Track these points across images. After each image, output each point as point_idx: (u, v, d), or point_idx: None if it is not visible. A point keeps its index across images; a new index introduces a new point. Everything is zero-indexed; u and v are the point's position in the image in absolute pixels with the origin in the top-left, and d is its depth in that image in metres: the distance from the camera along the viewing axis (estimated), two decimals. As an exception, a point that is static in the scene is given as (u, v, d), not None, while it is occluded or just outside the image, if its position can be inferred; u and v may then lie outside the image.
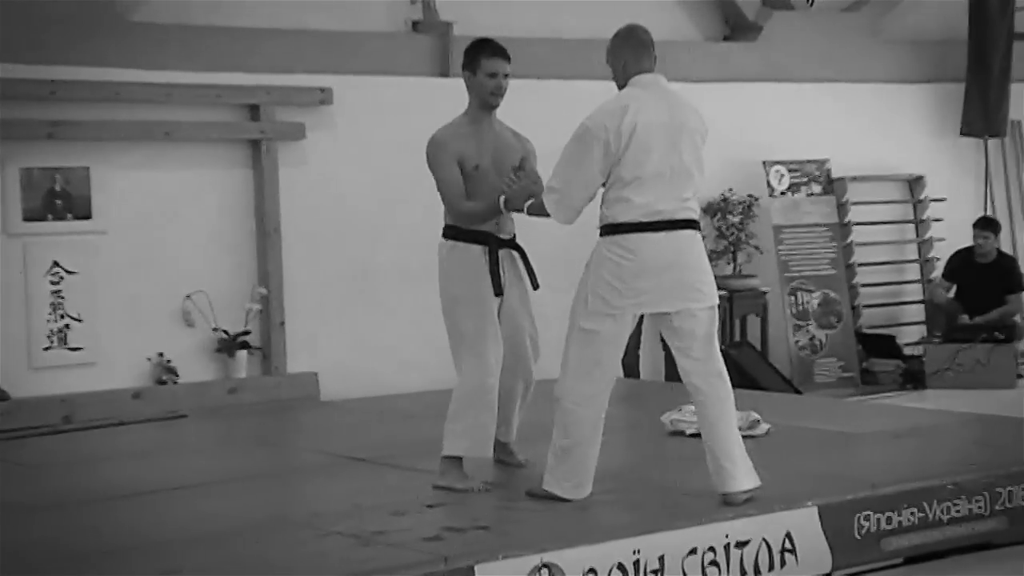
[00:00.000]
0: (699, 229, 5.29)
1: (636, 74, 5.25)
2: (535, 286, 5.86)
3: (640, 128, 5.09)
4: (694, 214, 5.25)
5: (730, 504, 5.14)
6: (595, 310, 5.17)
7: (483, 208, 5.64)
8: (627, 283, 5.14)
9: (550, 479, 5.32)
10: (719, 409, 5.29)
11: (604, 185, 5.19)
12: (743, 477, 5.19)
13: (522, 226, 5.84)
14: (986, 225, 10.49)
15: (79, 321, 8.10)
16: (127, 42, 8.24)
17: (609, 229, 5.19)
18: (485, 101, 5.71)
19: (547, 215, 5.30)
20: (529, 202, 5.42)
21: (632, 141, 5.09)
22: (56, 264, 8.05)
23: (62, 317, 8.05)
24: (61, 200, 8.08)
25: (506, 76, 5.70)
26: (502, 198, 5.55)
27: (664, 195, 5.14)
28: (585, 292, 5.22)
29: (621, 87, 5.29)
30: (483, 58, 5.68)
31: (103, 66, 8.14)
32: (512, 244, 5.81)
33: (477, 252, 5.68)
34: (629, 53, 5.28)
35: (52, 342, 8.04)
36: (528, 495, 5.40)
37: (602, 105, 5.18)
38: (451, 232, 5.73)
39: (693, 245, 5.23)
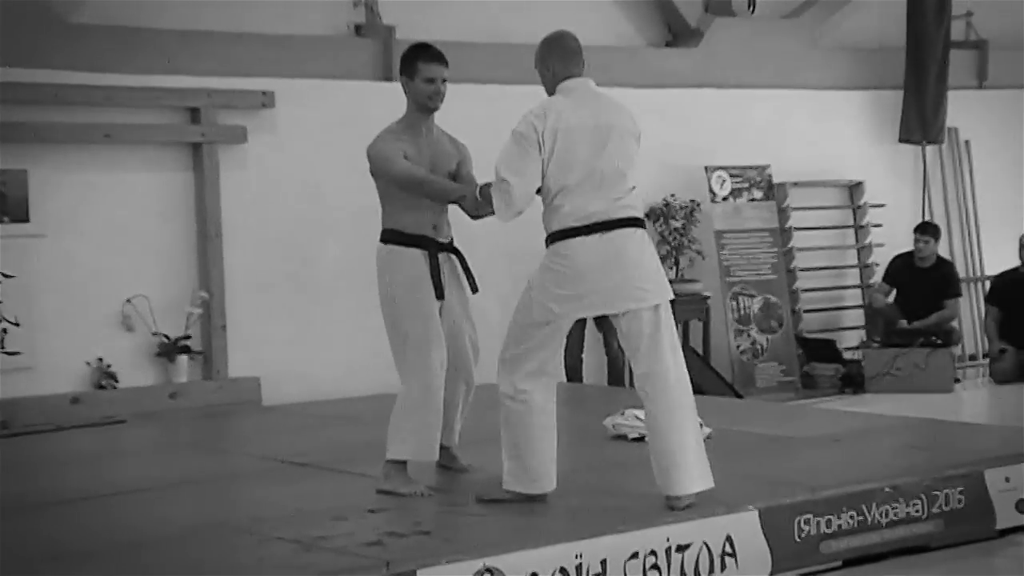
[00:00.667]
0: (641, 226, 5.24)
1: (564, 79, 5.26)
2: (474, 289, 5.86)
3: (562, 134, 5.10)
4: (633, 211, 5.22)
5: (672, 508, 5.16)
6: (540, 319, 5.18)
7: (447, 186, 5.60)
8: (566, 289, 5.14)
9: (509, 479, 5.31)
10: (666, 414, 5.22)
11: (539, 192, 5.21)
12: (688, 481, 5.18)
13: (461, 230, 5.84)
14: (926, 230, 10.61)
15: (16, 325, 8.00)
16: (67, 44, 8.17)
17: (548, 240, 5.22)
18: (423, 105, 5.70)
19: (488, 213, 5.32)
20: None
21: (556, 147, 5.09)
22: (-7, 267, 7.97)
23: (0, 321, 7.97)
24: (-1, 202, 8.00)
25: (444, 81, 5.69)
26: (479, 188, 5.47)
27: (594, 197, 5.13)
28: (528, 301, 5.22)
29: (550, 93, 5.30)
30: (420, 63, 5.67)
31: (42, 68, 8.07)
32: (450, 248, 5.81)
33: (416, 256, 5.66)
34: (557, 60, 5.28)
35: (-11, 346, 7.95)
36: (482, 501, 5.37)
37: (526, 113, 5.19)
38: (389, 236, 5.71)
39: (633, 243, 5.18)
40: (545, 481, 5.31)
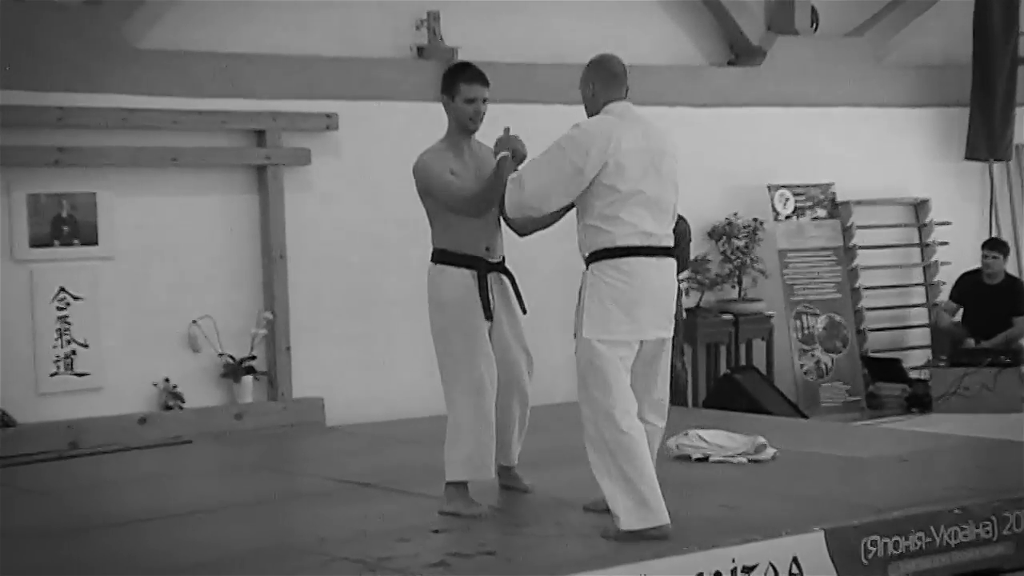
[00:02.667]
0: (677, 259, 5.39)
1: (606, 103, 5.30)
2: (523, 310, 5.85)
3: (624, 153, 5.13)
4: (671, 242, 5.31)
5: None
6: (601, 338, 5.14)
7: (487, 186, 5.54)
8: (625, 309, 5.14)
9: (628, 518, 5.07)
10: (657, 441, 5.35)
11: (566, 203, 5.22)
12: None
13: (519, 251, 5.84)
14: (994, 246, 10.51)
15: (85, 347, 8.10)
16: (134, 69, 8.27)
17: (604, 253, 5.18)
18: (464, 126, 5.72)
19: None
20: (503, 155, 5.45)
21: (618, 166, 5.12)
22: (62, 290, 8.06)
23: (68, 343, 8.06)
24: (68, 226, 8.10)
25: (484, 101, 5.69)
26: (504, 154, 5.46)
27: (648, 219, 5.17)
28: (581, 320, 5.18)
29: (590, 115, 5.33)
30: (462, 83, 5.69)
31: (110, 92, 8.17)
32: (501, 268, 5.80)
33: (467, 276, 5.67)
34: (600, 81, 5.33)
35: (58, 368, 8.04)
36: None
37: (581, 128, 5.21)
38: (439, 256, 5.72)
39: (673, 273, 5.31)
40: (663, 511, 5.11)
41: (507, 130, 5.54)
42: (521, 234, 5.79)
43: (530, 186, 5.17)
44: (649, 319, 5.19)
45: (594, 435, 5.12)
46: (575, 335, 5.25)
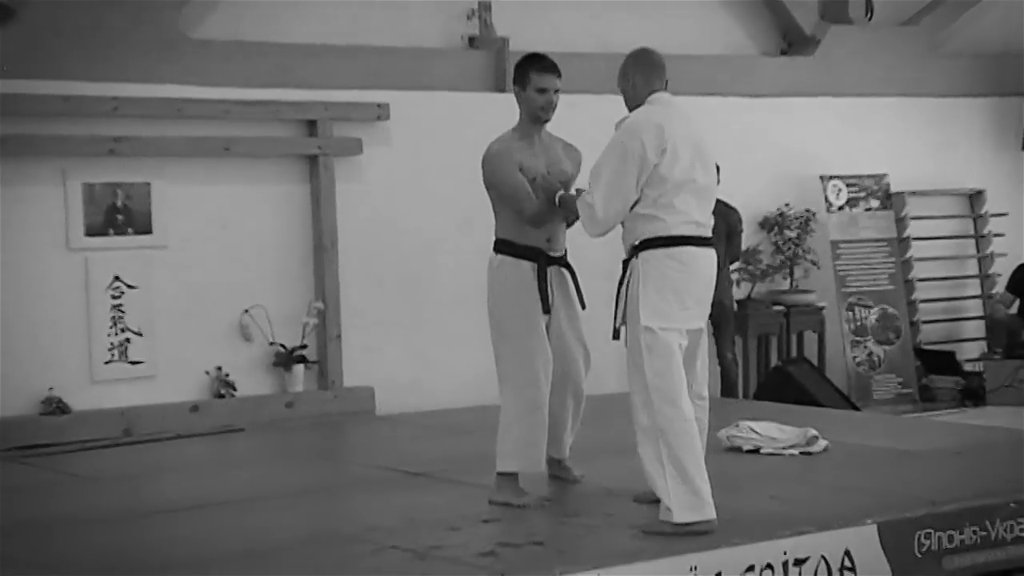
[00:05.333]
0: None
1: (649, 94, 5.28)
2: (583, 306, 5.84)
3: (673, 142, 5.11)
4: (710, 232, 5.30)
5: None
6: (661, 325, 5.09)
7: (544, 207, 5.60)
8: (679, 298, 5.11)
9: (683, 511, 4.99)
10: (703, 435, 5.29)
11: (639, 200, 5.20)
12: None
13: (574, 244, 5.83)
14: (1052, 235, 10.42)
15: (139, 335, 8.17)
16: (187, 59, 8.33)
17: (659, 242, 5.14)
18: (535, 116, 5.71)
19: (575, 220, 5.36)
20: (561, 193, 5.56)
21: (671, 154, 5.10)
22: (117, 278, 8.13)
23: (122, 331, 8.13)
24: (122, 215, 8.16)
25: (556, 92, 5.70)
26: (559, 194, 5.56)
27: (696, 209, 5.17)
28: (637, 308, 5.14)
29: (631, 108, 5.31)
30: (533, 73, 5.69)
31: (164, 83, 8.23)
32: (562, 262, 5.80)
33: (527, 268, 5.67)
34: (640, 74, 5.31)
35: (112, 356, 8.11)
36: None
37: (632, 121, 5.19)
38: (502, 247, 5.72)
39: (715, 264, 5.29)
40: (712, 505, 5.05)
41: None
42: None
43: (603, 205, 5.14)
44: (696, 309, 5.19)
45: (647, 424, 5.07)
46: (617, 325, 5.22)
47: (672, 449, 5.02)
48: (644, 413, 5.09)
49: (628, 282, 5.19)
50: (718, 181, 5.46)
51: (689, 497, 5.00)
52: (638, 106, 5.28)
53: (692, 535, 4.95)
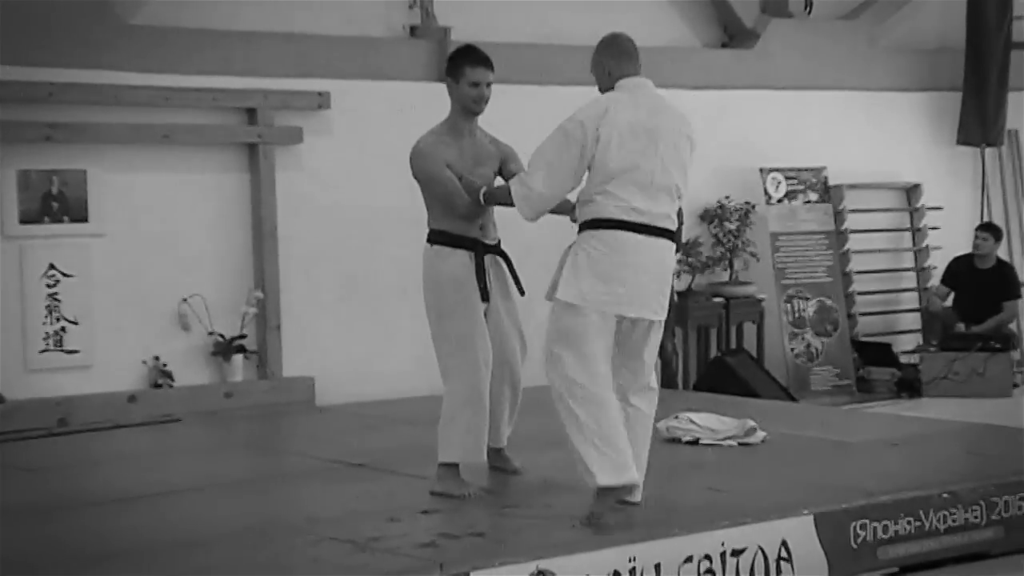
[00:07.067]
0: (675, 242, 5.28)
1: (620, 78, 5.24)
2: (521, 292, 5.84)
3: (615, 128, 5.06)
4: (672, 224, 5.22)
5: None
6: (573, 302, 5.07)
7: (471, 203, 5.61)
8: (603, 279, 5.08)
9: (600, 473, 5.02)
10: (647, 427, 5.29)
11: (577, 185, 5.18)
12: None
13: (515, 234, 5.83)
14: (987, 228, 10.54)
15: (75, 324, 8.08)
16: (125, 45, 8.24)
17: (590, 224, 5.13)
18: (468, 109, 5.70)
19: (511, 204, 5.27)
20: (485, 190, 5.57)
21: (608, 142, 5.05)
22: (52, 267, 8.04)
23: (58, 320, 8.04)
24: (58, 202, 8.07)
25: (489, 85, 5.69)
26: (483, 191, 5.56)
27: (640, 196, 5.09)
28: (555, 284, 5.15)
29: (603, 92, 5.27)
30: (467, 67, 5.67)
31: (101, 68, 8.13)
32: (497, 250, 5.80)
33: (463, 257, 5.66)
34: (611, 60, 5.27)
35: (48, 344, 8.02)
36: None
37: (583, 107, 5.17)
38: (437, 237, 5.71)
39: (669, 256, 5.20)
40: (634, 468, 5.08)
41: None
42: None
43: (542, 182, 5.11)
44: (631, 296, 5.08)
45: (564, 392, 5.06)
46: (547, 297, 5.20)
47: (587, 415, 5.02)
48: (558, 384, 5.09)
49: (560, 260, 5.19)
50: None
51: (605, 460, 5.00)
52: (609, 91, 5.26)
53: (617, 499, 5.04)
